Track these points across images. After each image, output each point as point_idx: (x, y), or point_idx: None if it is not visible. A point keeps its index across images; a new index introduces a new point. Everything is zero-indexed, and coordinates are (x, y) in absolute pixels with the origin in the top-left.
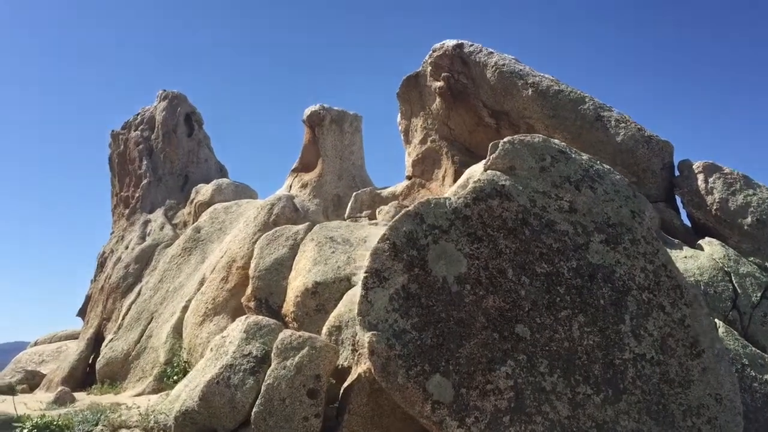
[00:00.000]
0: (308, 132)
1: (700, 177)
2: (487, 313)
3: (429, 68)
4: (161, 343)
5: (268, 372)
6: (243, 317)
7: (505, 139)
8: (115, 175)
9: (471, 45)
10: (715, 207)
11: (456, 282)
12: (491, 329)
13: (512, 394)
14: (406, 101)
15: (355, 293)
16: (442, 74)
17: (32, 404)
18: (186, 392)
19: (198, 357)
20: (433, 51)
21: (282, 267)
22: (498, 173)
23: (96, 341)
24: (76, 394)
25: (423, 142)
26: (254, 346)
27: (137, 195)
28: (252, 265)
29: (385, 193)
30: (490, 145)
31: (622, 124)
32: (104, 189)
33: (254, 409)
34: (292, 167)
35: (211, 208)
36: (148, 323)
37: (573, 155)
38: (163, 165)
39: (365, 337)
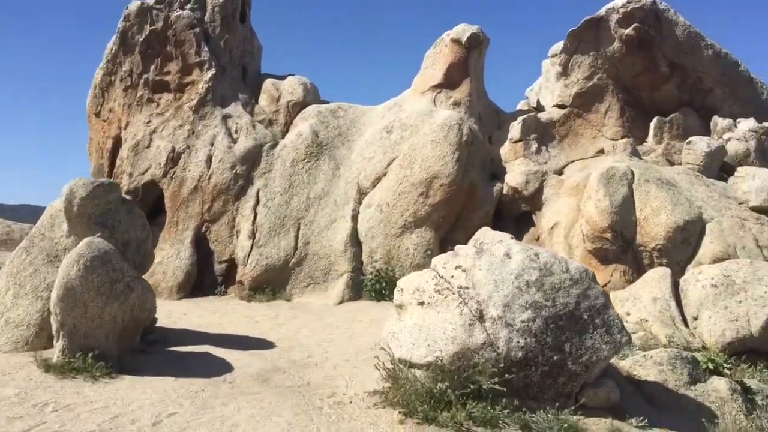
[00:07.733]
0: (460, 51)
1: None
2: None
3: (617, 16)
4: (339, 251)
5: None
6: None
7: None
8: (133, 52)
9: (662, 2)
10: None
11: None
12: None
13: None
14: (576, 39)
15: (720, 229)
16: (633, 24)
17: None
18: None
19: (402, 267)
20: (628, 2)
21: (627, 204)
22: None
23: (197, 244)
24: (228, 300)
25: (588, 78)
26: None
27: (202, 86)
28: (605, 202)
29: (543, 118)
30: None
31: (765, 87)
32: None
33: None
34: (432, 82)
35: (312, 111)
36: (297, 230)
37: None
38: (223, 54)
39: None
